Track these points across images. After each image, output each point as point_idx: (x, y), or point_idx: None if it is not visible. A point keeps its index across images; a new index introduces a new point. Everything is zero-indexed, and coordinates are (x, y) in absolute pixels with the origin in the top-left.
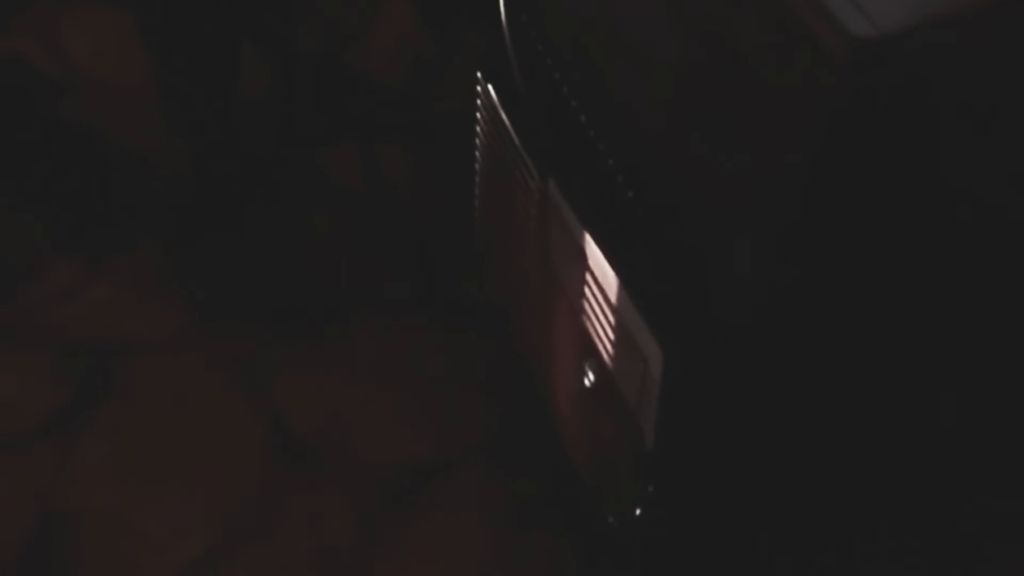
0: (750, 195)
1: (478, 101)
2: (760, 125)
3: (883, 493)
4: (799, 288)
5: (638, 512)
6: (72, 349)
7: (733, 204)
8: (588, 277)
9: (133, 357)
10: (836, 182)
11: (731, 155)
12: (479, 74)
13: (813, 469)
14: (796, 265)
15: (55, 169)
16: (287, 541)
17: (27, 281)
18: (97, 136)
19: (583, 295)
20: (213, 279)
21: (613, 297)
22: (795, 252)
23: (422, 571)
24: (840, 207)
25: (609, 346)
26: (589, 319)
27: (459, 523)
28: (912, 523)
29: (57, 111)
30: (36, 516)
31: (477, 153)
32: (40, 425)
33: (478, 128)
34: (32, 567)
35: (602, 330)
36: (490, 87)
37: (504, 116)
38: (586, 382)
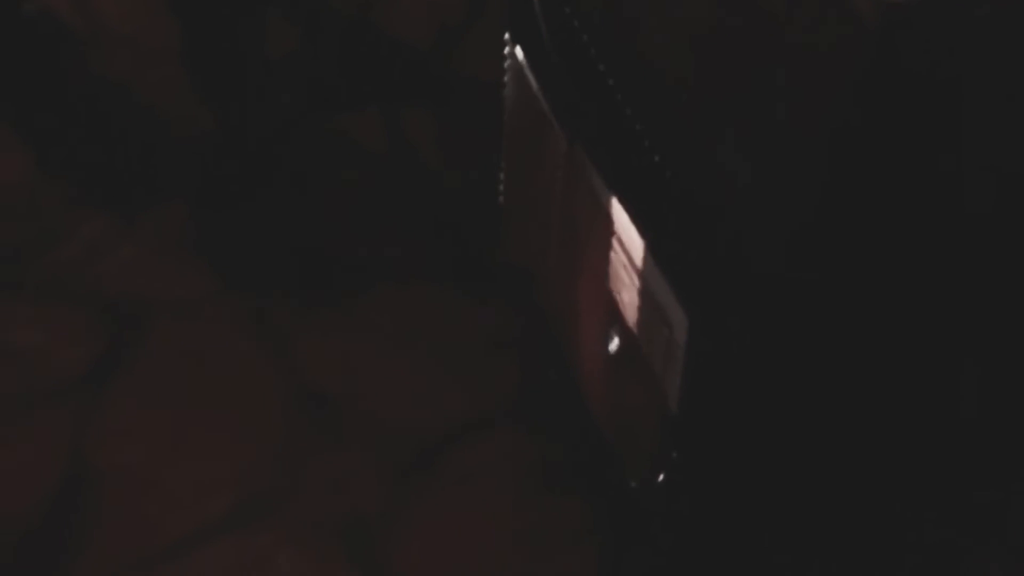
0: (777, 161)
1: (506, 64)
2: (790, 88)
3: (901, 470)
4: (824, 259)
5: (661, 477)
6: (102, 306)
7: (760, 169)
8: (614, 241)
9: (162, 315)
10: (864, 148)
11: (759, 119)
12: (507, 37)
13: (831, 444)
14: (821, 234)
15: (87, 129)
16: (312, 503)
17: (59, 238)
18: (126, 95)
19: (609, 260)
20: (237, 243)
21: (639, 262)
22: (820, 221)
23: (445, 534)
24: (867, 174)
25: (634, 311)
26: (615, 284)
27: (482, 487)
28: (929, 497)
29: (86, 67)
30: (63, 469)
31: (504, 116)
32: (70, 379)
33: (505, 92)
34: (58, 520)
35: (627, 295)
36: (518, 50)
37: (532, 79)
38: (611, 347)
